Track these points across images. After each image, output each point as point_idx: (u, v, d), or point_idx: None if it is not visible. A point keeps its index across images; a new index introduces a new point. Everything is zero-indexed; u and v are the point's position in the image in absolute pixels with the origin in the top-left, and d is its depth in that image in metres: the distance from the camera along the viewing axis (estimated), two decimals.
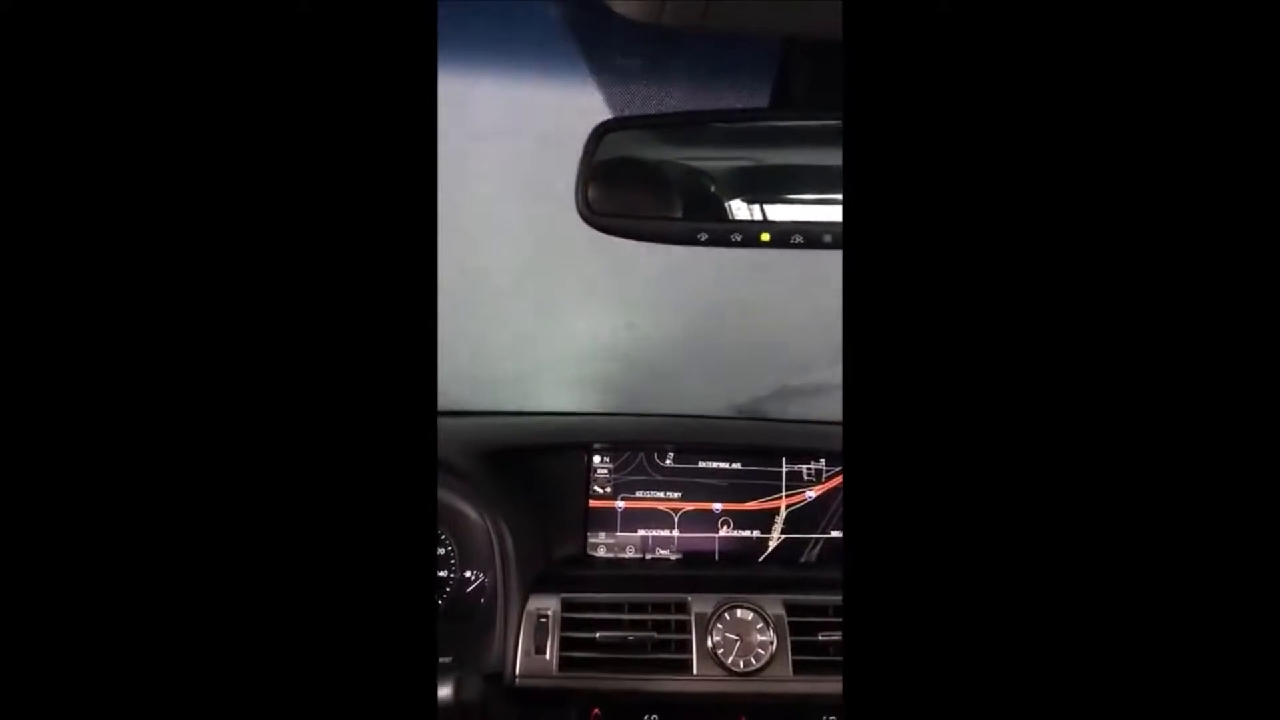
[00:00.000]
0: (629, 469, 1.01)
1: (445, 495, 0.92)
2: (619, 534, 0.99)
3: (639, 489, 1.01)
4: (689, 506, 1.01)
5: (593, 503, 0.99)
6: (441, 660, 0.80)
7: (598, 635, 0.83)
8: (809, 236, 0.62)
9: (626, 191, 0.70)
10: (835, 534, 1.00)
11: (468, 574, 0.93)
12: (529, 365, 1.03)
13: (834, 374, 1.00)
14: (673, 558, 0.99)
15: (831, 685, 0.82)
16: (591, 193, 0.68)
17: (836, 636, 0.83)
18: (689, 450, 1.02)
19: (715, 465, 1.02)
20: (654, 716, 0.82)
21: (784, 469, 1.01)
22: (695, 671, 0.82)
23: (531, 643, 0.82)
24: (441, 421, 0.99)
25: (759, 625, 0.85)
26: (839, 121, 0.58)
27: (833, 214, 0.61)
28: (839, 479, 1.01)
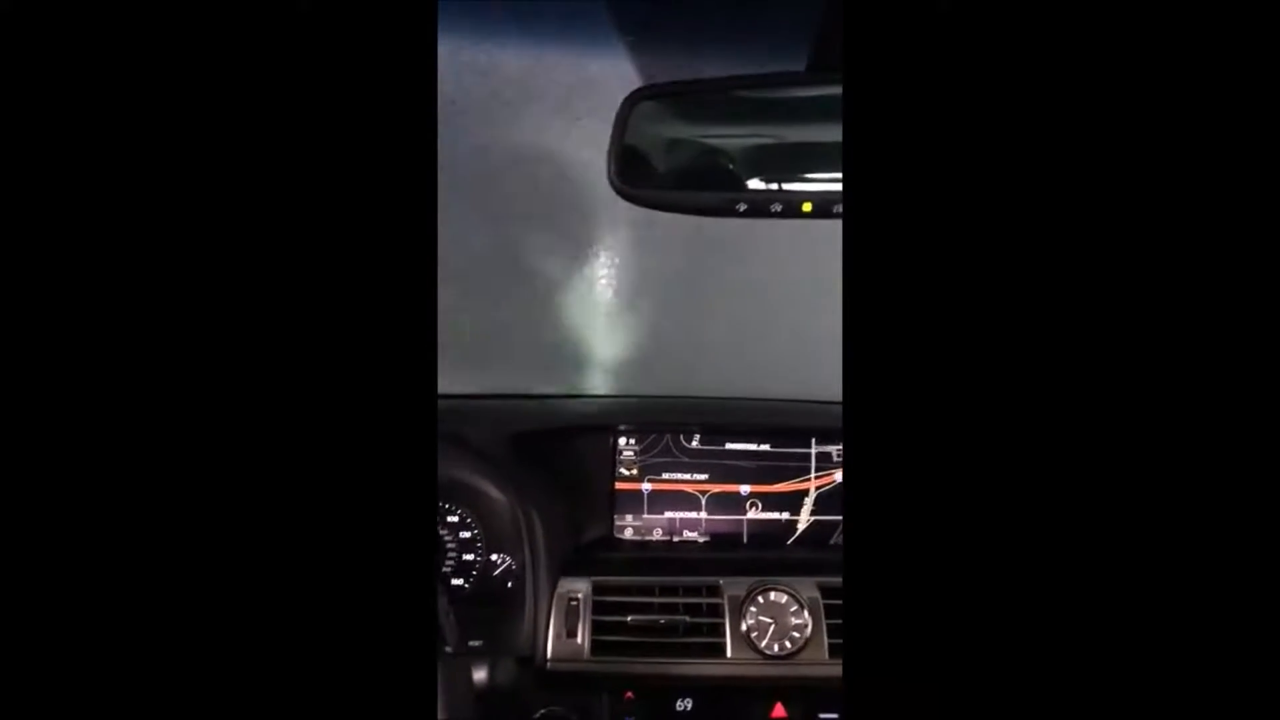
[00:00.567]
0: (655, 451, 0.99)
1: (472, 478, 0.91)
2: (646, 516, 0.98)
3: (665, 471, 0.99)
4: (716, 488, 0.99)
5: (619, 485, 0.98)
6: (472, 644, 0.79)
7: (629, 618, 0.81)
8: None
9: (659, 162, 0.68)
10: None
11: (494, 557, 0.92)
12: (553, 347, 1.01)
13: None
14: (700, 540, 0.98)
15: None
16: (623, 164, 0.65)
17: None
18: (715, 431, 1.00)
19: (743, 447, 1.00)
20: (688, 700, 0.81)
21: (813, 450, 0.99)
22: (729, 655, 0.81)
23: (563, 626, 0.81)
24: (467, 404, 0.98)
25: (793, 608, 0.83)
26: None
27: None
28: None
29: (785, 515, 0.99)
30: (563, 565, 0.87)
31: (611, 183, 0.65)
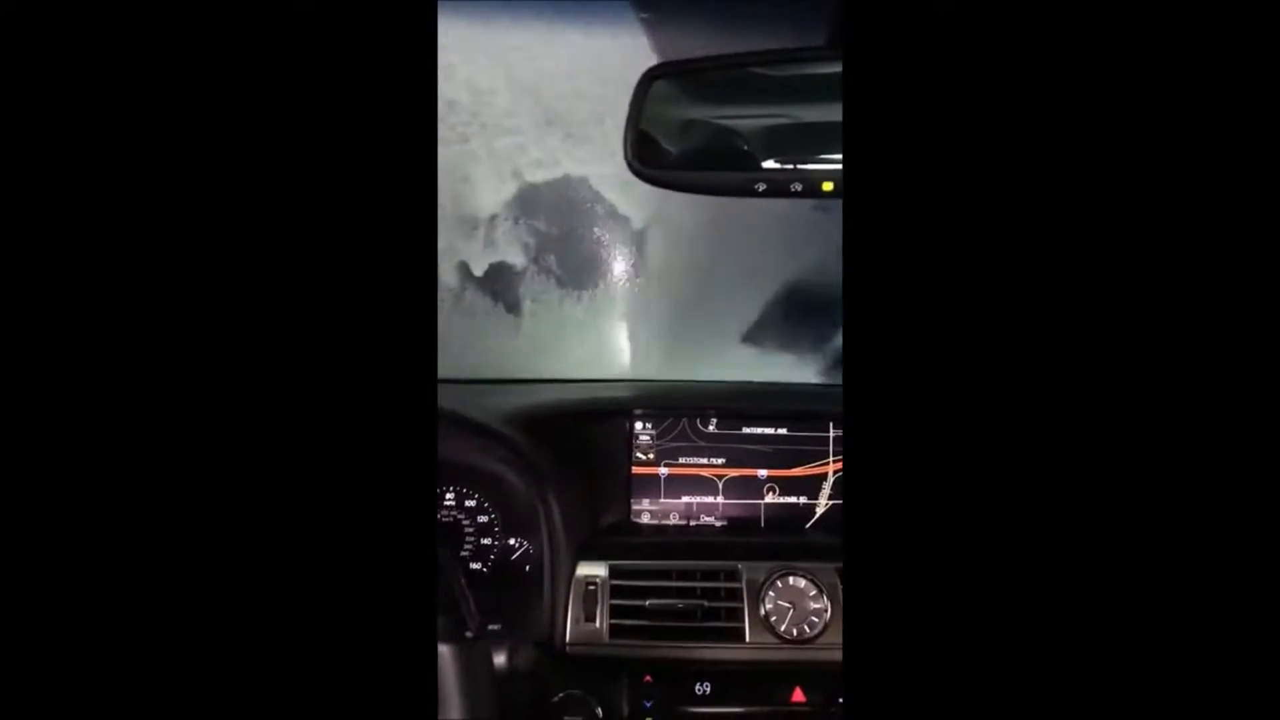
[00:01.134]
0: (671, 435, 0.99)
1: (488, 463, 0.91)
2: (662, 500, 0.98)
3: (682, 455, 0.99)
4: (733, 473, 0.98)
5: (636, 469, 0.98)
6: (490, 628, 0.79)
7: (648, 603, 0.81)
8: None
9: (676, 141, 0.67)
10: None
11: (512, 541, 0.92)
12: (572, 332, 1.00)
13: None
14: (717, 524, 0.97)
15: None
16: (640, 143, 0.64)
17: None
18: (732, 416, 0.99)
19: (759, 431, 0.99)
20: (706, 684, 0.81)
21: (831, 434, 0.99)
22: (748, 639, 0.81)
23: (581, 610, 0.81)
24: (483, 389, 0.98)
25: (812, 592, 0.83)
26: None
27: None
28: None
29: (803, 500, 0.98)
30: (580, 549, 0.87)
31: (628, 163, 0.64)
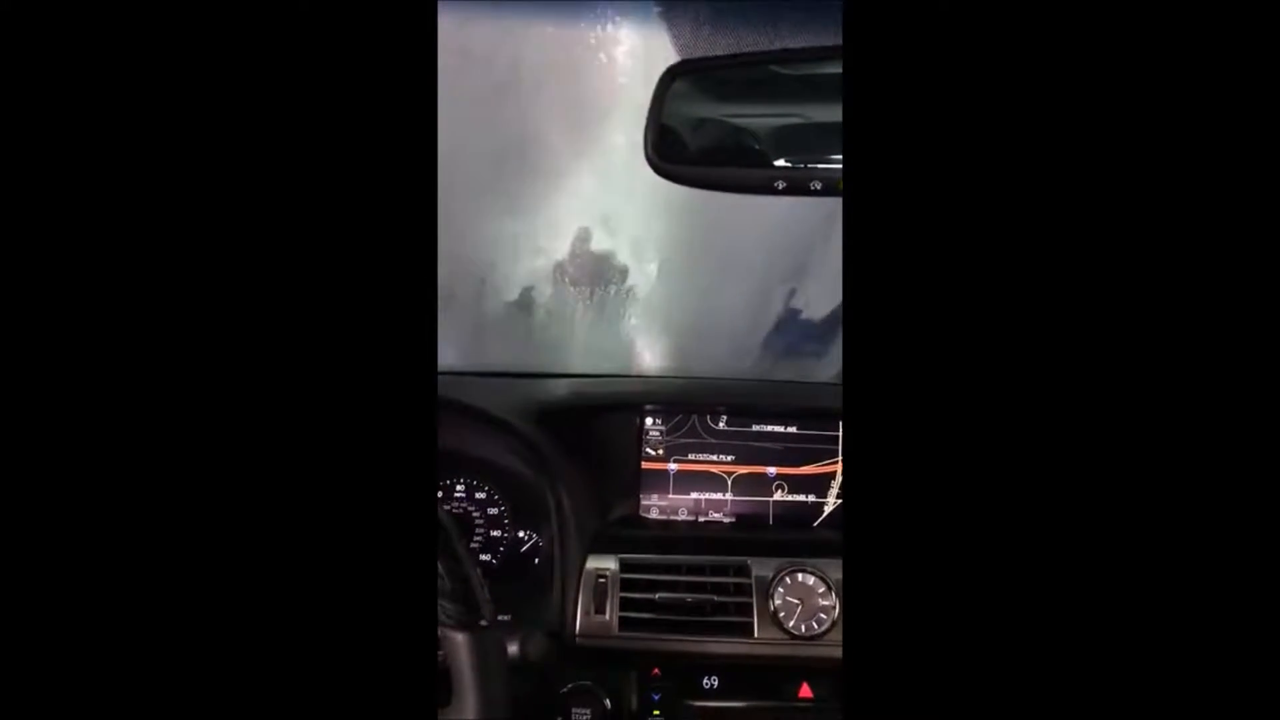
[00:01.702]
0: (681, 431, 0.99)
1: (499, 455, 0.92)
2: (671, 496, 0.98)
3: (691, 451, 0.99)
4: (742, 470, 0.99)
5: (645, 464, 0.98)
6: (501, 618, 0.80)
7: (657, 596, 0.82)
8: None
9: (696, 138, 0.67)
10: None
11: (521, 533, 0.93)
12: (584, 327, 1.01)
13: None
14: (726, 521, 0.98)
15: None
16: (660, 140, 0.65)
17: None
18: (742, 413, 0.99)
19: (769, 428, 0.99)
20: (714, 678, 0.81)
21: (841, 433, 0.99)
22: (756, 634, 0.81)
23: (591, 602, 0.82)
24: (495, 382, 0.98)
25: (821, 589, 0.83)
26: None
27: None
28: None
29: (811, 498, 0.98)
30: (590, 542, 0.87)
31: (649, 159, 0.65)
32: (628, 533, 0.93)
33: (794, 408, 0.99)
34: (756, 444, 0.99)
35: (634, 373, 1.02)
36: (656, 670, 0.81)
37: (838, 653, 0.81)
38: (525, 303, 1.06)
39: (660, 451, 0.99)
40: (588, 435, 0.96)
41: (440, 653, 0.58)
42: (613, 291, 1.02)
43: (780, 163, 0.64)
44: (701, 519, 0.98)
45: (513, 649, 0.67)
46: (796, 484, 0.98)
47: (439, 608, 0.58)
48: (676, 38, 0.77)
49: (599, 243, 1.01)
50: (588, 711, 0.78)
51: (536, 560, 0.92)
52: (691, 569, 0.85)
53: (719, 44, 0.75)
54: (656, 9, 0.76)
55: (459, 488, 0.95)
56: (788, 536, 0.94)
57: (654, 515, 0.97)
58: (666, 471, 0.98)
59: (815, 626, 0.81)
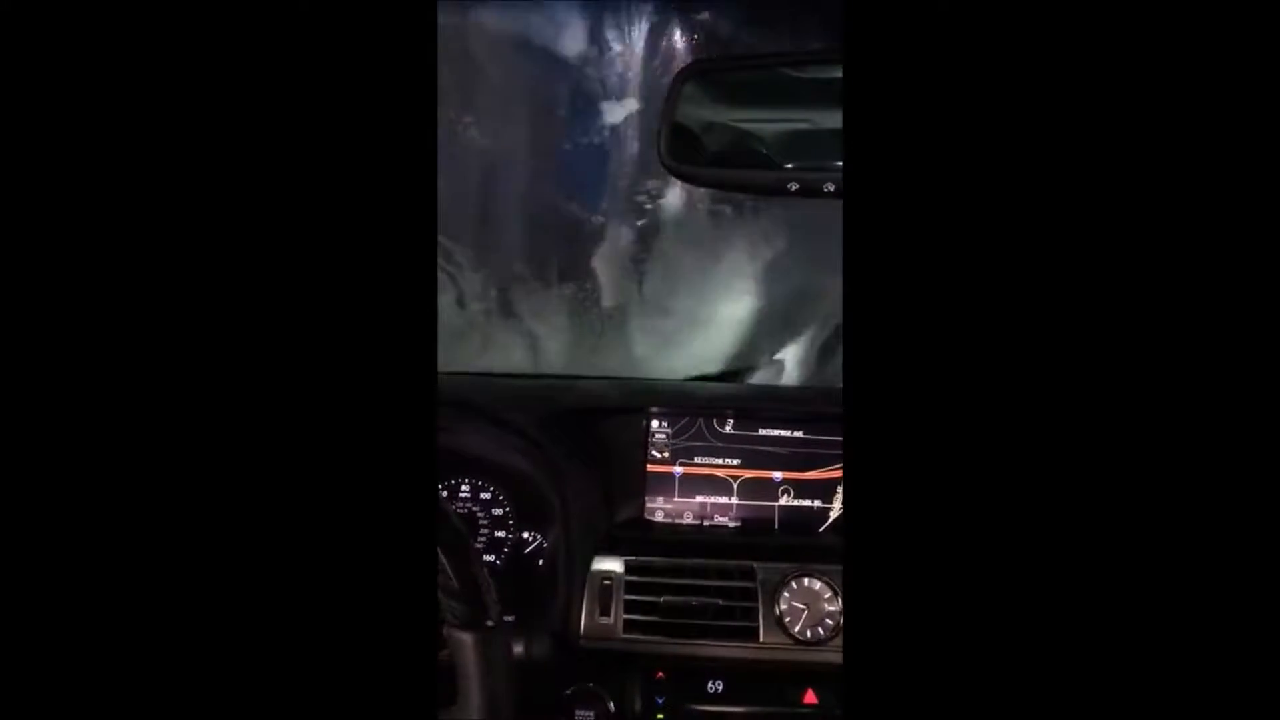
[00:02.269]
0: (688, 434, 0.99)
1: (505, 456, 0.92)
2: (677, 499, 0.98)
3: (697, 455, 0.99)
4: (748, 474, 0.98)
5: (651, 467, 0.98)
6: (505, 619, 0.79)
7: (662, 599, 0.82)
8: None
9: (710, 139, 0.67)
10: None
11: (526, 535, 0.93)
12: (591, 330, 1.01)
13: None
14: (731, 525, 0.98)
15: None
16: (673, 141, 0.65)
17: None
18: (749, 417, 0.99)
19: (776, 433, 0.99)
20: (718, 683, 0.81)
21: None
22: (761, 639, 0.81)
23: (596, 604, 0.81)
24: (502, 383, 0.98)
25: (827, 595, 0.83)
26: None
27: None
28: None
29: (817, 503, 0.98)
30: (595, 545, 0.87)
31: (661, 160, 0.65)
32: (633, 535, 0.93)
33: (800, 412, 0.99)
34: (763, 448, 0.99)
35: (640, 375, 1.02)
36: (660, 673, 0.81)
37: (842, 659, 0.80)
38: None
39: (666, 454, 0.98)
40: (593, 437, 0.96)
41: (445, 651, 0.58)
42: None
43: (793, 165, 0.64)
44: (707, 523, 0.97)
45: (518, 649, 0.67)
46: (802, 489, 0.98)
47: (446, 607, 0.58)
48: (692, 41, 0.77)
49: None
50: (591, 713, 0.77)
51: (541, 561, 0.91)
52: (697, 572, 0.84)
53: (733, 46, 0.75)
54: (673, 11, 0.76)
55: (464, 488, 0.94)
56: (793, 541, 0.93)
57: (659, 518, 0.97)
58: (672, 474, 0.98)
59: (820, 632, 0.81)
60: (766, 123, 0.66)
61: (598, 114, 0.92)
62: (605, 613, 0.81)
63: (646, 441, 0.98)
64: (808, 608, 0.82)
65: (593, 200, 1.03)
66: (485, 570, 0.62)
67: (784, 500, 0.98)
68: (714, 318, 1.13)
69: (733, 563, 0.85)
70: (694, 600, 0.82)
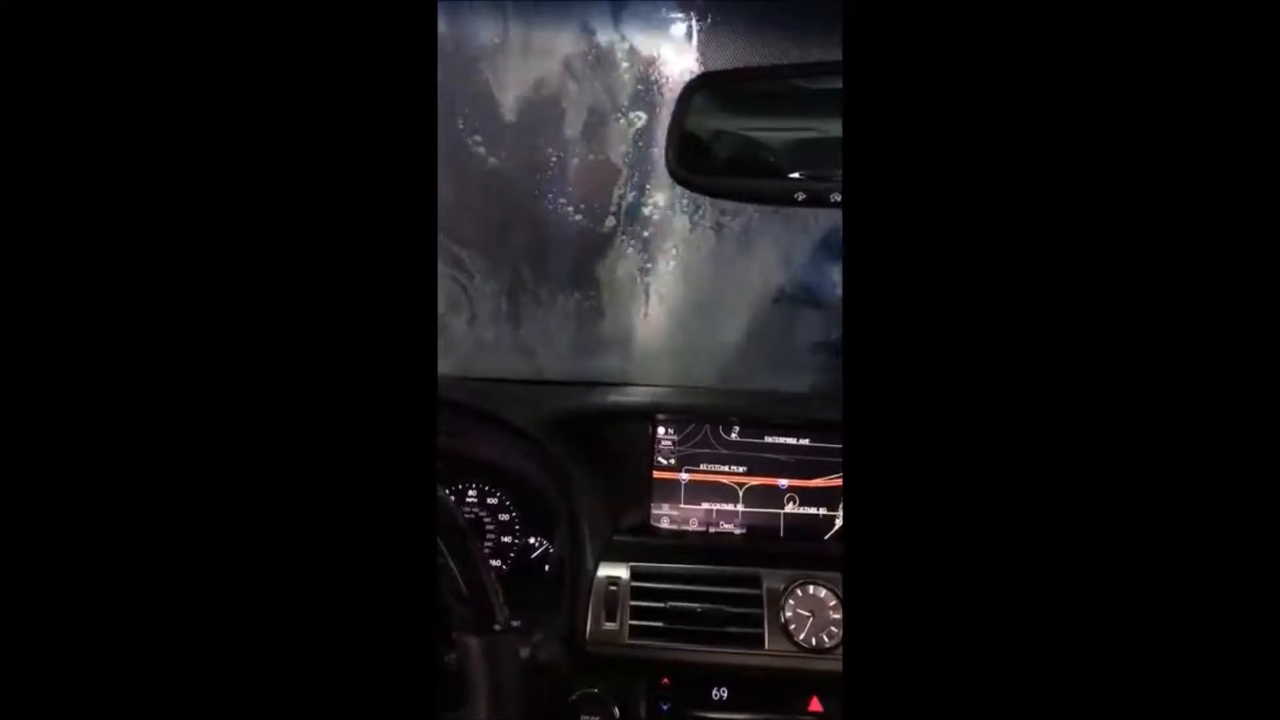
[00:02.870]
0: (693, 441, 0.99)
1: (512, 461, 0.92)
2: (683, 506, 0.98)
3: (703, 462, 0.99)
4: (754, 481, 0.99)
5: (657, 474, 0.98)
6: (512, 624, 0.80)
7: (668, 605, 0.82)
8: None
9: (718, 149, 0.68)
10: None
11: (531, 540, 0.93)
12: (596, 336, 1.01)
13: None
14: (737, 532, 0.98)
15: None
16: (682, 150, 0.65)
17: None
18: (755, 424, 0.99)
19: (782, 440, 0.99)
20: (723, 689, 0.81)
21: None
22: (766, 646, 0.81)
23: (602, 610, 0.82)
24: (508, 389, 0.99)
25: (832, 602, 0.83)
26: None
27: None
28: None
29: (823, 511, 0.98)
30: (601, 550, 0.87)
31: (670, 169, 0.65)
32: (639, 541, 0.93)
33: (806, 419, 0.99)
34: (769, 455, 0.99)
35: (647, 382, 1.02)
36: (666, 679, 0.81)
37: None
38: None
39: (672, 461, 0.99)
40: (600, 443, 0.96)
41: (453, 656, 0.58)
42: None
43: (800, 174, 0.65)
44: (712, 529, 0.98)
45: (524, 654, 0.67)
46: (808, 496, 0.98)
47: (453, 611, 0.58)
48: (704, 54, 0.78)
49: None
50: (596, 718, 0.77)
51: (547, 567, 0.92)
52: (702, 579, 0.85)
53: (743, 57, 0.76)
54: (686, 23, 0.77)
55: (471, 493, 0.95)
56: (799, 549, 0.94)
57: (665, 525, 0.97)
58: (678, 481, 0.98)
59: (825, 640, 0.81)
60: (774, 133, 0.67)
61: (605, 126, 0.93)
62: (611, 618, 0.81)
63: (653, 448, 0.98)
64: (813, 615, 0.82)
65: (601, 210, 1.03)
66: (492, 575, 0.62)
67: (789, 507, 0.98)
68: (721, 325, 1.13)
69: (738, 569, 0.86)
70: (699, 607, 0.82)
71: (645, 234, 1.04)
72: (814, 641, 0.81)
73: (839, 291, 1.08)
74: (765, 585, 0.84)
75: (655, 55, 0.79)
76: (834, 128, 0.67)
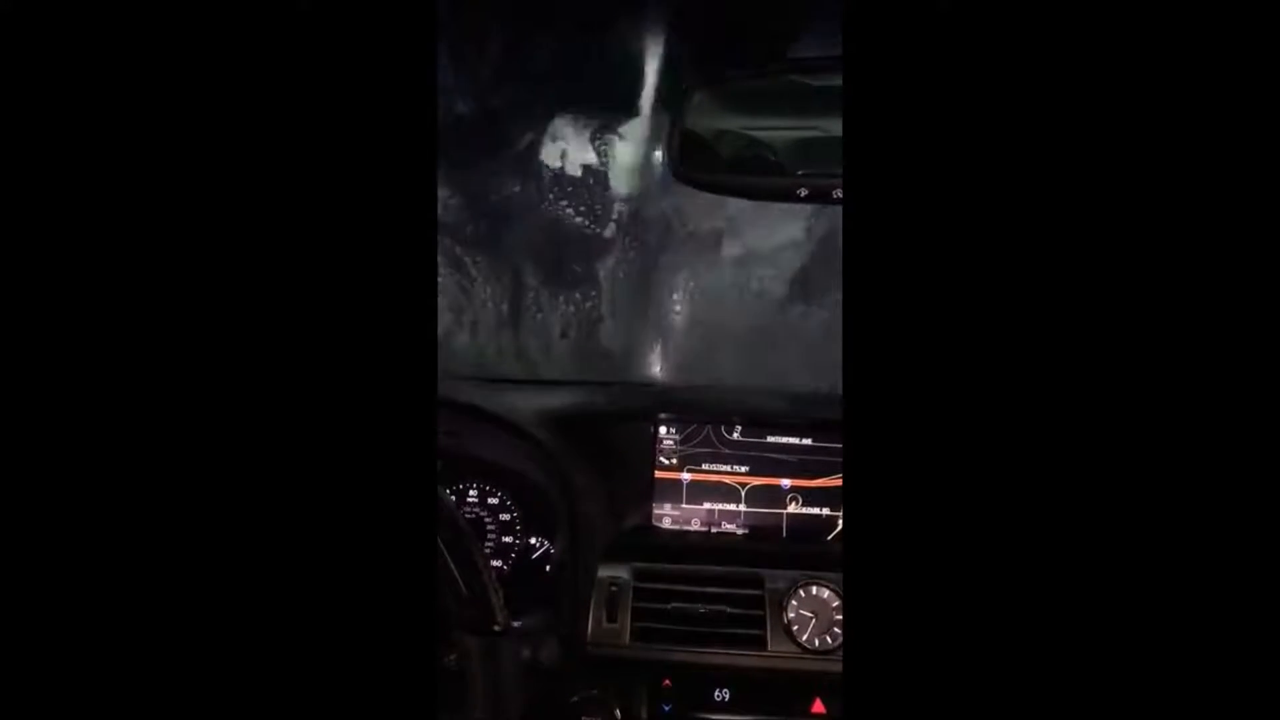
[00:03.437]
0: (695, 441, 0.99)
1: (513, 461, 0.92)
2: (684, 506, 0.98)
3: (705, 462, 0.99)
4: (756, 481, 0.98)
5: (659, 474, 0.98)
6: (513, 624, 0.79)
7: (670, 606, 0.81)
8: None
9: (719, 147, 0.67)
10: None
11: (533, 540, 0.93)
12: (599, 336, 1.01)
13: None
14: (739, 532, 0.97)
15: None
16: (683, 148, 0.65)
17: None
18: (757, 424, 0.99)
19: (784, 440, 0.99)
20: (725, 691, 0.80)
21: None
22: (769, 647, 0.80)
23: (603, 611, 0.81)
24: (510, 389, 0.98)
25: (835, 603, 0.82)
26: None
27: None
28: None
29: (826, 511, 0.98)
30: (604, 551, 0.87)
31: (671, 168, 0.65)
32: (641, 542, 0.93)
33: (808, 419, 0.99)
34: (771, 455, 0.99)
35: (649, 381, 1.02)
36: (667, 681, 0.80)
37: None
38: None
39: (674, 461, 0.98)
40: (602, 443, 0.96)
41: (453, 656, 0.58)
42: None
43: (802, 171, 0.64)
44: (715, 530, 0.97)
45: (525, 655, 0.67)
46: (810, 496, 0.98)
47: (454, 612, 0.58)
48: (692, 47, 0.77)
49: None
50: None
51: (548, 567, 0.91)
52: (705, 579, 0.84)
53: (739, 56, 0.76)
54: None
55: (472, 493, 0.95)
56: (801, 549, 0.93)
57: (667, 525, 0.97)
58: (680, 481, 0.98)
59: (829, 641, 0.81)
60: (776, 130, 0.66)
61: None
62: (612, 619, 0.81)
63: (654, 448, 0.98)
64: (815, 616, 0.82)
65: (603, 213, 1.04)
66: (493, 575, 0.62)
67: (792, 508, 0.98)
68: (722, 326, 1.13)
69: (740, 570, 0.85)
70: (701, 608, 0.81)
71: (647, 236, 1.04)
72: (817, 643, 0.80)
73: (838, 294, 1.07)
74: (768, 586, 0.84)
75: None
76: (836, 124, 0.67)
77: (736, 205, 1.02)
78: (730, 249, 1.07)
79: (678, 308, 1.11)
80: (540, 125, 0.96)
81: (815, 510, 0.98)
